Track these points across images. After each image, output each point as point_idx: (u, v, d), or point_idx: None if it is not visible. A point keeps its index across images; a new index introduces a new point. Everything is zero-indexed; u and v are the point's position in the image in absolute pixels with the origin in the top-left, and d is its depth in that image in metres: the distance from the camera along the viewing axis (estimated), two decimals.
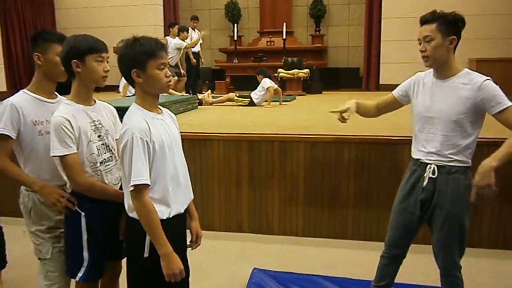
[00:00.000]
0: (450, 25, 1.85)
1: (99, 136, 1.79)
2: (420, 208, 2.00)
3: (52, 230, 1.91)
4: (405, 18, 8.84)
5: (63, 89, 2.00)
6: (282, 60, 8.55)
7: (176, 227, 1.61)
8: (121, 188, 1.86)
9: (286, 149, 3.40)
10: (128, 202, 1.57)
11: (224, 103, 6.59)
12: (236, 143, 3.47)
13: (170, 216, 1.58)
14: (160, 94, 1.68)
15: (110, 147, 1.84)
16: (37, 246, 1.93)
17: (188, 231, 1.78)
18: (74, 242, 1.78)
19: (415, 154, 2.02)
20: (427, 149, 1.94)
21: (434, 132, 1.92)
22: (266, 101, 6.37)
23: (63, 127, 1.66)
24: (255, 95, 6.37)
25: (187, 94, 7.27)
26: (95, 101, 1.85)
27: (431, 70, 1.99)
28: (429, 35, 1.86)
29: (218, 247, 3.23)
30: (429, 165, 1.93)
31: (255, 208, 3.49)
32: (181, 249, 1.65)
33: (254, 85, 6.55)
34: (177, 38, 7.49)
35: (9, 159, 1.84)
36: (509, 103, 1.81)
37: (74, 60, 1.70)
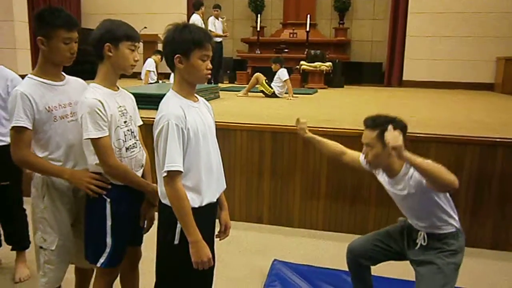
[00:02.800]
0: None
1: (125, 122, 1.78)
2: (400, 253, 2.05)
3: (61, 223, 1.88)
4: (432, 13, 8.67)
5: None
6: (305, 53, 8.48)
7: (206, 216, 1.61)
8: (143, 175, 1.88)
9: (310, 142, 3.36)
10: (161, 188, 1.57)
11: (247, 95, 6.52)
12: (259, 134, 3.45)
13: (202, 205, 1.57)
14: None
15: (135, 134, 1.84)
16: (42, 234, 1.88)
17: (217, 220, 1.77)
18: (97, 228, 1.77)
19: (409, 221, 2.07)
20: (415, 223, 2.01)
21: (413, 211, 1.98)
22: (286, 93, 6.32)
23: (97, 109, 1.65)
24: (275, 87, 6.31)
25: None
26: (118, 88, 1.84)
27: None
28: (369, 143, 1.87)
29: (238, 237, 3.23)
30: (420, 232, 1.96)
31: (276, 200, 3.48)
32: (209, 239, 1.65)
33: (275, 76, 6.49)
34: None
35: (29, 150, 1.78)
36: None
37: (108, 44, 1.69)
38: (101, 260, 1.77)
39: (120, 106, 1.77)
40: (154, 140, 1.54)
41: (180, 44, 1.52)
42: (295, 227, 3.47)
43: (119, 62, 1.73)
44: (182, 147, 1.51)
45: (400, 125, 1.81)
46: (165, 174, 1.49)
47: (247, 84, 8.37)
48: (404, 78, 9.10)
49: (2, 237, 2.75)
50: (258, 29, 9.63)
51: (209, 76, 1.61)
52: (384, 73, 9.62)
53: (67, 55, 1.78)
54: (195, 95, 1.66)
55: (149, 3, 9.75)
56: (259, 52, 9.66)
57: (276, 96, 6.26)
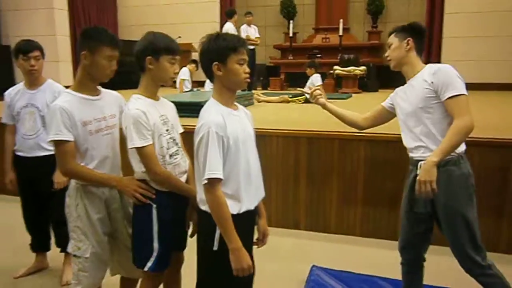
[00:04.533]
0: (405, 30, 2.06)
1: (167, 130, 1.83)
2: (424, 206, 2.00)
3: (94, 232, 1.93)
4: (469, 13, 8.43)
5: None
6: (338, 57, 8.42)
7: (245, 224, 1.62)
8: (187, 181, 1.92)
9: (346, 147, 3.35)
10: (200, 195, 1.61)
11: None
12: (294, 140, 3.46)
13: (241, 212, 1.59)
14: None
15: (177, 141, 1.89)
16: (75, 242, 1.93)
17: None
18: (144, 233, 1.83)
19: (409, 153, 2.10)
20: (411, 145, 2.03)
21: (411, 129, 2.01)
22: None
23: (140, 119, 1.71)
24: (307, 94, 6.28)
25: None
26: (159, 97, 1.90)
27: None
28: (389, 42, 2.10)
29: (275, 243, 3.21)
30: (419, 163, 1.94)
31: (312, 205, 3.47)
32: (248, 246, 1.66)
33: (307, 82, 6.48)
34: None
35: (75, 161, 1.84)
36: (460, 92, 1.86)
37: (149, 57, 1.75)
38: (148, 264, 1.82)
39: (162, 115, 1.83)
40: (194, 147, 1.57)
41: (216, 52, 1.56)
42: (332, 233, 3.45)
43: (159, 74, 1.79)
44: (222, 155, 1.53)
45: (413, 24, 2.07)
46: (205, 181, 1.51)
47: (280, 90, 8.41)
48: None
49: (52, 241, 2.88)
50: (291, 35, 9.65)
51: (248, 80, 1.63)
52: None
53: (107, 72, 1.86)
54: (235, 103, 1.69)
55: (183, 13, 9.97)
56: (291, 58, 9.67)
57: (309, 102, 6.24)
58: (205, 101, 4.48)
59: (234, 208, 1.57)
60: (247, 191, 1.61)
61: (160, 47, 1.75)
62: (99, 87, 1.98)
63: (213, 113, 1.56)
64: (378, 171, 3.30)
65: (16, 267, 2.85)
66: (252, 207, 1.64)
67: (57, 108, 1.79)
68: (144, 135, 1.71)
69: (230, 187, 1.57)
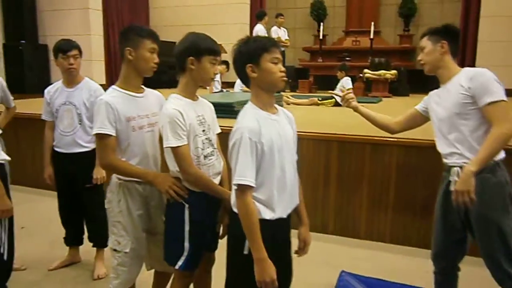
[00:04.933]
0: (438, 33, 2.01)
1: (203, 131, 1.84)
2: (457, 214, 1.94)
3: (134, 227, 1.97)
4: (507, 17, 8.17)
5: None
6: (369, 60, 8.30)
7: (278, 231, 1.59)
8: (220, 183, 1.93)
9: (378, 152, 3.30)
10: (233, 198, 1.60)
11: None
12: (326, 143, 3.43)
13: (273, 219, 1.56)
14: (246, 92, 1.69)
15: (212, 142, 1.90)
16: (116, 237, 1.98)
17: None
18: (176, 232, 1.84)
19: (443, 159, 2.03)
20: (445, 151, 1.98)
21: (445, 134, 1.96)
22: None
23: (176, 119, 1.72)
24: (338, 96, 6.22)
25: None
26: (197, 97, 1.91)
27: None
28: (422, 46, 2.04)
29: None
30: (453, 169, 1.91)
31: (342, 210, 3.44)
32: (283, 255, 1.65)
33: (337, 84, 6.42)
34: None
35: (115, 155, 1.89)
36: (499, 97, 1.80)
37: (191, 57, 1.76)
38: (179, 263, 1.84)
39: (199, 116, 1.84)
40: (228, 151, 1.56)
41: (248, 54, 1.56)
42: (361, 238, 3.40)
43: (200, 75, 1.80)
44: (255, 161, 1.50)
45: (448, 26, 2.03)
46: (235, 187, 1.51)
47: (309, 92, 8.36)
48: None
49: (85, 236, 2.95)
50: (321, 37, 9.58)
51: (285, 78, 1.59)
52: None
53: (151, 64, 1.92)
54: (275, 105, 1.66)
55: (213, 14, 10.04)
56: (321, 60, 9.60)
57: (339, 105, 6.19)
58: (236, 102, 4.50)
59: (267, 213, 1.55)
60: (280, 199, 1.57)
61: (202, 48, 1.77)
62: (143, 87, 2.03)
63: (249, 117, 1.54)
64: (410, 177, 3.23)
65: (51, 259, 2.94)
66: (284, 216, 1.60)
67: (103, 103, 1.85)
68: (179, 135, 1.73)
69: (262, 193, 1.54)
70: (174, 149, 1.74)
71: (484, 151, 1.80)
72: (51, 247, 3.16)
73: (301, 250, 1.78)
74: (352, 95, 2.38)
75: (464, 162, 1.87)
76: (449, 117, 1.92)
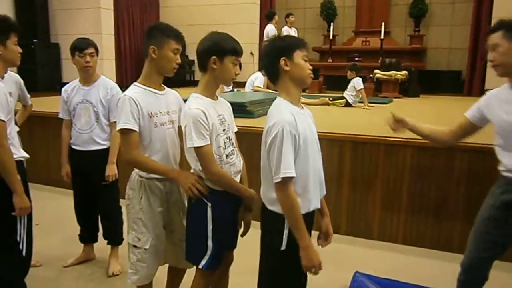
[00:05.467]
0: None
1: (224, 130, 1.85)
2: (505, 231, 1.88)
3: (155, 224, 1.99)
4: None
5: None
6: (379, 61, 8.29)
7: (309, 223, 1.63)
8: (240, 181, 1.93)
9: (392, 153, 3.29)
10: (267, 195, 1.63)
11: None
12: (339, 143, 3.43)
13: (309, 211, 1.61)
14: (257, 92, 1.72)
15: (232, 141, 1.91)
16: (136, 234, 2.00)
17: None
18: (199, 231, 1.85)
19: (505, 172, 1.86)
20: None
21: None
22: (360, 102, 6.22)
23: (200, 119, 1.72)
24: (349, 96, 6.23)
25: None
26: (217, 97, 1.92)
27: (504, 86, 1.88)
28: (495, 43, 1.80)
29: (315, 247, 3.22)
30: None
31: (354, 210, 3.43)
32: None
33: (348, 85, 6.41)
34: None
35: (138, 151, 1.91)
36: None
37: (214, 57, 1.77)
38: (203, 262, 1.84)
39: (219, 115, 1.85)
40: (266, 146, 1.58)
41: (283, 48, 1.61)
42: (374, 239, 3.39)
43: (222, 74, 1.81)
44: (294, 154, 1.54)
45: None
46: (279, 180, 1.52)
47: (319, 93, 8.35)
48: (486, 87, 8.55)
49: (99, 233, 2.98)
50: (331, 37, 9.56)
51: (312, 76, 1.65)
52: (464, 82, 9.12)
53: (173, 65, 1.94)
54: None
55: (223, 14, 10.06)
56: (331, 61, 9.59)
57: (349, 106, 6.18)
58: (248, 102, 4.50)
59: (303, 207, 1.59)
60: (314, 190, 1.63)
61: (225, 48, 1.77)
62: (163, 85, 2.05)
63: (285, 111, 1.57)
64: (423, 178, 3.22)
65: (66, 256, 2.96)
66: (318, 206, 1.67)
67: (127, 98, 1.87)
68: (203, 135, 1.73)
69: (299, 186, 1.58)
70: (198, 149, 1.74)
71: None
72: (66, 244, 3.19)
73: (324, 241, 1.82)
74: (400, 118, 2.17)
75: None
76: None
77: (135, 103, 1.87)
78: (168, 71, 1.95)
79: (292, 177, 1.52)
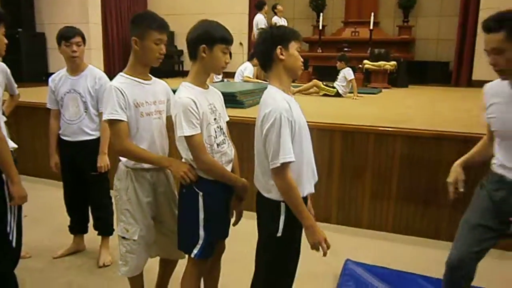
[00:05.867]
0: None
1: (215, 119, 1.84)
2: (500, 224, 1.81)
3: (143, 215, 1.98)
4: (507, 9, 8.16)
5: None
6: (368, 51, 8.30)
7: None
8: (232, 170, 1.93)
9: (382, 142, 3.31)
10: (264, 183, 1.65)
11: (308, 92, 6.55)
12: (329, 133, 3.44)
13: (303, 196, 1.63)
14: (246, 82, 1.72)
15: (223, 130, 1.90)
16: (124, 225, 1.99)
17: None
18: (190, 220, 1.84)
19: (498, 169, 1.80)
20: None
21: None
22: (350, 93, 6.24)
23: (190, 108, 1.71)
24: (339, 87, 6.24)
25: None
26: (208, 86, 1.91)
27: (503, 83, 1.73)
28: (498, 48, 1.57)
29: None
30: None
31: (344, 200, 3.46)
32: (301, 235, 1.72)
33: (337, 75, 6.42)
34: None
35: (129, 140, 1.89)
36: None
37: (203, 46, 1.75)
38: (195, 251, 1.84)
39: (210, 104, 1.83)
40: (262, 134, 1.59)
41: (281, 36, 1.63)
42: (364, 228, 3.43)
43: (211, 63, 1.79)
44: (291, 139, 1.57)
45: None
46: (278, 165, 1.53)
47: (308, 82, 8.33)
48: (473, 78, 8.64)
49: (90, 224, 2.95)
50: (320, 27, 9.54)
51: (303, 68, 1.68)
52: (452, 72, 9.20)
53: (156, 55, 1.90)
54: None
55: (212, 3, 9.95)
56: (320, 51, 9.58)
57: (339, 96, 6.19)
58: (238, 92, 4.49)
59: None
60: (307, 175, 1.66)
61: (215, 36, 1.76)
62: (150, 75, 2.02)
63: (279, 99, 1.58)
64: (413, 167, 3.25)
65: (55, 247, 2.94)
66: (312, 190, 1.69)
67: (112, 88, 1.85)
68: (193, 124, 1.72)
69: (294, 171, 1.59)
70: (188, 138, 1.73)
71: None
72: (55, 236, 3.16)
73: None
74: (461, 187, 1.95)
75: None
76: None
77: (121, 93, 1.85)
78: (151, 62, 1.93)
79: (290, 162, 1.54)
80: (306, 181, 1.65)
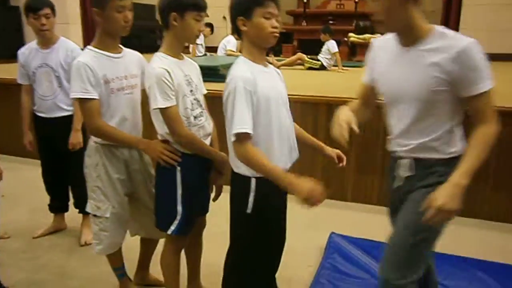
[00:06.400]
0: None
1: (191, 91, 1.76)
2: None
3: (115, 192, 1.92)
4: None
5: None
6: (353, 24, 8.19)
7: (276, 188, 1.51)
8: (210, 144, 1.87)
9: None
10: (233, 158, 1.55)
11: (293, 66, 6.46)
12: (314, 106, 3.39)
13: None
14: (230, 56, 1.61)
15: (201, 102, 1.82)
16: (95, 202, 1.93)
17: None
18: (168, 196, 1.78)
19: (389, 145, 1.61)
20: (397, 138, 1.53)
21: (401, 116, 1.48)
22: (334, 66, 6.17)
23: (164, 78, 1.63)
24: (324, 59, 6.16)
25: None
26: (183, 57, 1.82)
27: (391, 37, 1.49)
28: None
29: (291, 210, 3.21)
30: (402, 160, 1.52)
31: (329, 173, 3.43)
32: (281, 210, 1.66)
33: (322, 48, 6.32)
34: None
35: (102, 119, 1.81)
36: (489, 85, 1.35)
37: (174, 13, 1.66)
38: (172, 228, 1.79)
39: (186, 75, 1.75)
40: (223, 103, 1.51)
41: (240, 6, 1.50)
42: (349, 201, 3.43)
43: (184, 32, 1.70)
44: (251, 111, 1.44)
45: None
46: (233, 138, 1.44)
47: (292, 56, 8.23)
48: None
49: (70, 203, 2.88)
50: (305, 0, 9.36)
51: (277, 35, 1.51)
52: None
53: (121, 24, 1.79)
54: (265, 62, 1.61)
55: None
56: (305, 24, 9.43)
57: (324, 69, 6.12)
58: (220, 65, 4.37)
59: None
60: (281, 151, 1.55)
61: (185, 2, 1.65)
62: (121, 46, 1.91)
63: (242, 69, 1.48)
64: None
65: (35, 227, 2.87)
66: (286, 167, 1.57)
67: (81, 65, 1.74)
68: (168, 95, 1.64)
69: (262, 146, 1.50)
70: (163, 110, 1.66)
71: (476, 158, 1.34)
72: (35, 215, 3.09)
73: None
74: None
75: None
76: (412, 98, 1.42)
77: (90, 69, 1.75)
78: (118, 31, 1.82)
79: (247, 134, 1.43)
80: (280, 157, 1.53)
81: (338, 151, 1.82)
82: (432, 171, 1.47)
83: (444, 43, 1.35)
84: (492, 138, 1.37)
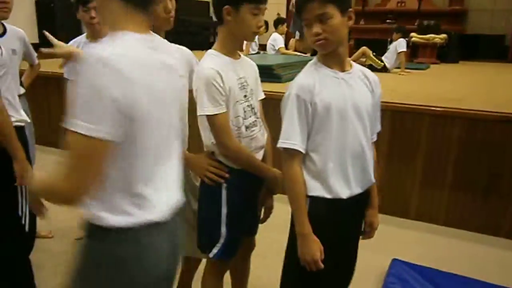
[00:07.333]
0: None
1: (245, 96, 1.54)
2: None
3: None
4: None
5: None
6: (416, 24, 7.71)
7: (340, 211, 1.34)
8: (263, 158, 1.64)
9: (438, 124, 2.93)
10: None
11: (357, 61, 6.10)
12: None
13: (329, 197, 1.32)
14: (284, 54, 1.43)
15: (255, 110, 1.59)
16: None
17: None
18: (212, 215, 1.58)
19: None
20: None
21: None
22: (397, 68, 5.76)
23: (214, 81, 1.42)
24: (387, 59, 5.75)
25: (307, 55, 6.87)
26: (239, 55, 1.59)
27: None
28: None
29: None
30: None
31: (391, 187, 3.11)
32: (342, 243, 1.42)
33: (381, 49, 5.93)
34: None
35: None
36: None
37: (227, 6, 1.44)
38: (214, 251, 1.58)
39: (240, 78, 1.53)
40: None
41: None
42: (411, 219, 3.09)
43: (239, 28, 1.47)
44: (306, 124, 1.29)
45: None
46: (281, 150, 1.31)
47: (349, 57, 7.86)
48: None
49: None
50: None
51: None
52: (508, 47, 8.44)
53: (163, 15, 1.52)
54: (351, 62, 1.38)
55: None
56: (363, 23, 9.03)
57: (385, 70, 5.71)
58: (275, 65, 4.12)
59: (317, 189, 1.32)
60: (340, 174, 1.32)
61: None
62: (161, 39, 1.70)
63: (303, 74, 1.35)
64: (473, 154, 2.86)
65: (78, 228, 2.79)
66: (343, 196, 1.33)
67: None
68: (217, 100, 1.43)
69: (314, 163, 1.31)
70: (211, 118, 1.45)
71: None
72: (77, 216, 3.01)
73: (366, 234, 1.56)
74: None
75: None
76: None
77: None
78: (161, 26, 1.52)
79: (294, 150, 1.30)
80: (335, 181, 1.32)
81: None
82: None
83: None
84: None
